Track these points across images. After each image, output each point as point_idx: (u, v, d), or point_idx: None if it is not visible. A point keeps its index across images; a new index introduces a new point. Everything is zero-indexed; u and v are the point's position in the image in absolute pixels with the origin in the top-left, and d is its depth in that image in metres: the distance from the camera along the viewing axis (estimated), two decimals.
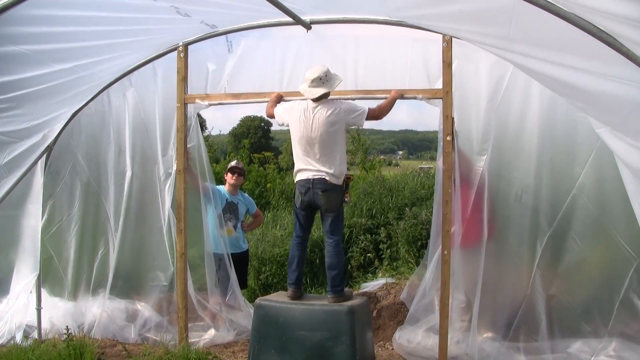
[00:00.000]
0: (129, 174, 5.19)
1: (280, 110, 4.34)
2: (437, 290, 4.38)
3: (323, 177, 4.09)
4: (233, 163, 5.52)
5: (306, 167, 4.16)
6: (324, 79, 4.06)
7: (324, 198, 4.09)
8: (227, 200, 5.31)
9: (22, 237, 5.18)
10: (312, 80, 4.06)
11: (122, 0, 3.72)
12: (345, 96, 4.40)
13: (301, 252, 4.31)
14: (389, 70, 4.58)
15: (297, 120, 4.15)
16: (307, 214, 4.30)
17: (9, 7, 3.01)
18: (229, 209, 5.32)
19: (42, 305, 5.18)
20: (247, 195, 5.77)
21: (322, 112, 4.07)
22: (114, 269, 5.21)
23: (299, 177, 4.22)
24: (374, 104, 4.31)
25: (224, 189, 5.38)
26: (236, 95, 4.79)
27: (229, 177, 5.38)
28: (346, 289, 4.37)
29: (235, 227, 5.35)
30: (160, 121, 5.08)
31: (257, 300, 4.26)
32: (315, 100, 4.11)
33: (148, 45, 4.69)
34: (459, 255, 4.36)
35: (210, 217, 5.13)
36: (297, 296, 4.25)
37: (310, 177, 4.12)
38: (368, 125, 4.43)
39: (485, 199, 4.33)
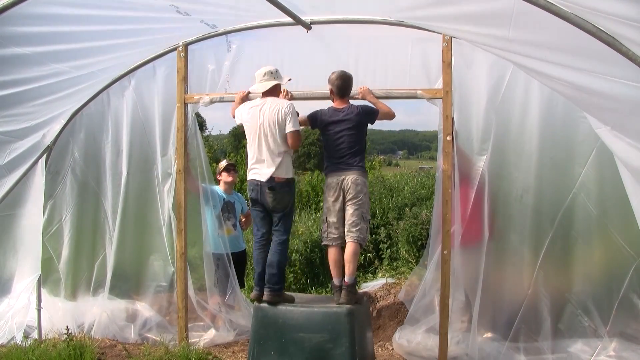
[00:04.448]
0: (124, 174, 5.18)
1: (238, 111, 4.33)
2: (437, 290, 4.37)
3: (271, 174, 4.06)
4: (224, 162, 5.51)
5: (254, 165, 4.14)
6: (274, 74, 4.17)
7: (271, 196, 4.07)
8: (224, 200, 5.32)
9: (23, 237, 5.18)
10: (264, 75, 4.15)
11: None
12: None
13: (260, 252, 4.24)
14: (389, 70, 4.58)
15: (249, 118, 4.17)
16: (262, 212, 4.22)
17: (9, 6, 3.01)
18: (227, 209, 5.33)
19: (42, 305, 5.18)
20: (239, 194, 5.78)
21: (269, 108, 4.07)
22: (113, 269, 5.21)
23: (249, 175, 4.20)
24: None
25: (219, 189, 5.39)
26: (236, 95, 4.79)
27: (225, 176, 5.38)
28: (359, 292, 4.33)
29: (234, 226, 5.36)
30: (160, 121, 5.07)
31: (256, 302, 4.24)
32: (265, 95, 4.15)
33: (148, 45, 4.69)
34: (459, 254, 4.36)
35: (208, 218, 5.13)
36: (260, 297, 4.16)
37: (259, 174, 4.11)
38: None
39: (486, 199, 4.33)
